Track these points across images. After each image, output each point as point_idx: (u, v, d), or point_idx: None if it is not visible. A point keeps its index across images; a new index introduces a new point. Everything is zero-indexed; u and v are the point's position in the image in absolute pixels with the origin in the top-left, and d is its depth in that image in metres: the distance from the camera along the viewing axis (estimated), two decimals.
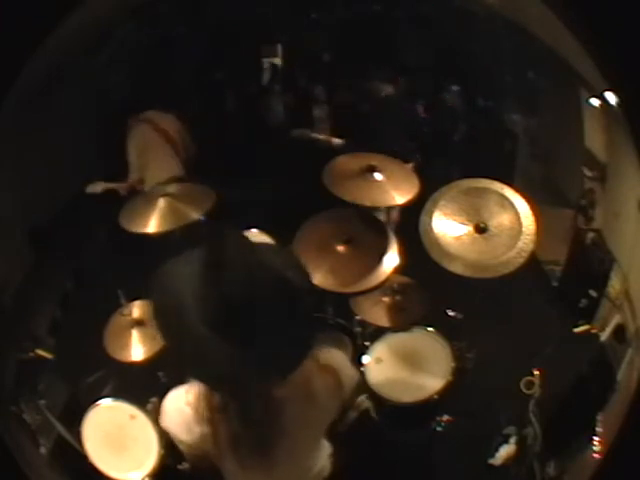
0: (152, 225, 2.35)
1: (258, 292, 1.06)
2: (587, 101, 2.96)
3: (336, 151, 2.68)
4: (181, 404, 1.24)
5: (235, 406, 1.19)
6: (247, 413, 1.19)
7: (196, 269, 1.09)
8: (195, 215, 2.38)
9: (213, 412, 1.20)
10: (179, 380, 1.35)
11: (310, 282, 1.24)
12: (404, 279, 2.54)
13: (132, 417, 2.18)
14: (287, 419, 1.22)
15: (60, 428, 2.38)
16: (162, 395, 1.32)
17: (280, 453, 1.26)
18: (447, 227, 2.21)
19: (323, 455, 1.47)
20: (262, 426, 1.21)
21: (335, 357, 1.34)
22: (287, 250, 1.27)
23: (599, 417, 2.12)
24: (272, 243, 1.29)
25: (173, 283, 1.14)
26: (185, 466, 2.23)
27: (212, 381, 1.16)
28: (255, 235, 1.80)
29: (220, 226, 1.14)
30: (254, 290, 1.06)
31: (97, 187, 3.03)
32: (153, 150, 3.23)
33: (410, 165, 2.94)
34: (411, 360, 2.37)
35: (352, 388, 1.40)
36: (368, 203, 2.33)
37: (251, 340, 1.08)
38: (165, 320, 1.14)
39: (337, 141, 3.13)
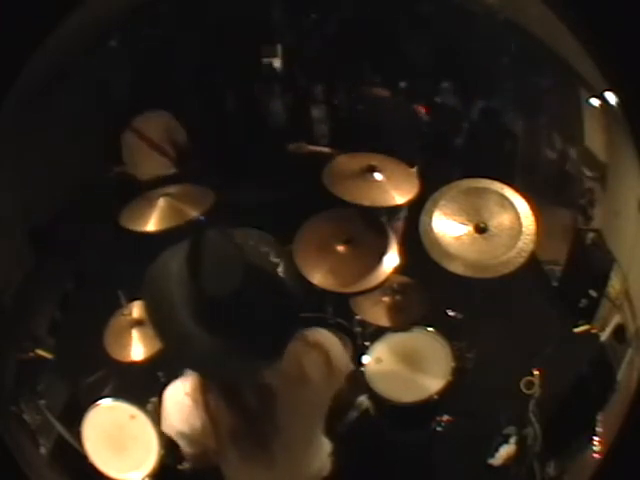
0: (152, 225, 2.35)
1: (237, 284, 1.09)
2: (587, 101, 2.96)
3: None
4: (180, 396, 1.25)
5: (229, 395, 1.21)
6: (240, 401, 1.21)
7: (179, 265, 1.13)
8: (195, 215, 2.38)
9: (211, 402, 1.21)
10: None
11: (295, 272, 1.30)
12: (404, 279, 2.54)
13: (132, 417, 2.18)
14: (281, 403, 1.23)
15: (60, 428, 2.38)
16: (162, 395, 1.32)
17: (278, 442, 1.27)
18: (447, 227, 2.21)
19: (323, 452, 1.47)
20: (257, 413, 1.22)
21: (324, 337, 1.35)
22: (273, 240, 1.29)
23: (599, 417, 2.12)
24: (257, 232, 1.32)
25: (161, 280, 1.17)
26: (185, 466, 2.23)
27: (204, 373, 1.20)
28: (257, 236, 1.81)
29: (203, 224, 1.18)
30: (233, 282, 1.09)
31: None
32: (138, 157, 3.43)
33: (414, 169, 2.94)
34: (411, 360, 2.37)
35: (346, 372, 1.41)
36: (368, 203, 2.33)
37: (232, 330, 1.11)
38: (156, 316, 1.18)
39: (334, 151, 3.13)
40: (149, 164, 3.46)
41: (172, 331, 1.14)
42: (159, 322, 1.18)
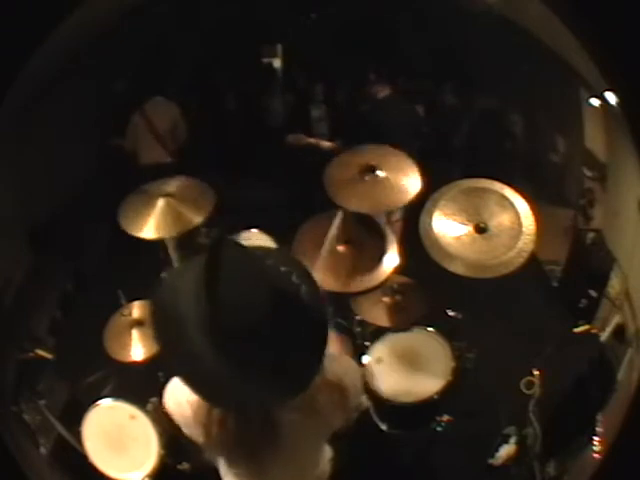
0: (151, 225, 2.34)
1: (260, 311, 1.00)
2: (587, 101, 2.96)
3: (333, 154, 2.69)
4: (182, 400, 1.22)
5: (232, 420, 1.18)
6: (245, 427, 1.18)
7: (195, 284, 1.01)
8: (194, 215, 2.38)
9: (211, 421, 1.19)
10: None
11: (319, 296, 1.13)
12: (404, 279, 2.54)
13: (132, 417, 2.18)
14: (287, 432, 1.20)
15: (60, 428, 2.38)
16: (162, 395, 1.32)
17: (278, 462, 1.24)
18: (447, 227, 2.21)
19: (323, 459, 1.46)
20: (260, 437, 1.19)
21: (343, 370, 1.27)
22: (295, 260, 1.18)
23: (599, 417, 2.12)
24: (282, 251, 1.23)
25: (174, 295, 1.06)
26: (185, 466, 2.23)
27: (208, 398, 1.12)
28: (256, 236, 1.78)
29: (222, 238, 1.07)
30: (255, 309, 0.99)
31: None
32: (139, 140, 3.64)
33: (414, 167, 2.94)
34: (411, 360, 2.37)
35: (357, 397, 1.38)
36: (368, 206, 2.32)
37: (251, 361, 1.01)
38: (164, 332, 1.09)
39: (332, 145, 3.15)
40: (150, 151, 3.63)
41: (181, 351, 1.04)
42: (167, 339, 1.08)
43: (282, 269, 1.10)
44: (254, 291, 1.00)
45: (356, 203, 2.30)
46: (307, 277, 1.11)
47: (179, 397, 1.23)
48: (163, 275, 1.15)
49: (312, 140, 3.26)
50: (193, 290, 1.00)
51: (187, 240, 2.40)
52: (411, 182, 2.43)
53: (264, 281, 1.02)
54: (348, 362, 1.34)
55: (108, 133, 3.69)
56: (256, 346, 1.00)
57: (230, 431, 1.18)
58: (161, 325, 1.09)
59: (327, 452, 1.48)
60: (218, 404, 1.14)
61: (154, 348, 2.31)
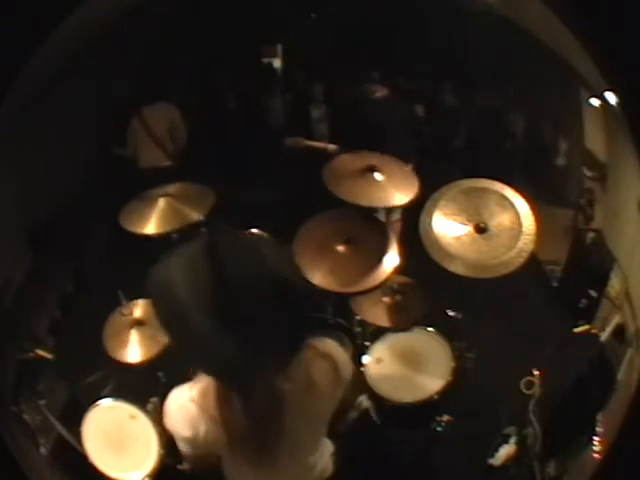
0: (152, 225, 2.36)
1: (257, 284, 1.08)
2: (587, 101, 2.96)
3: (331, 156, 2.70)
4: (184, 401, 1.23)
5: (238, 397, 1.19)
6: (250, 403, 1.19)
7: (195, 262, 1.09)
8: (195, 215, 2.38)
9: (217, 407, 1.20)
10: (179, 379, 1.35)
11: (303, 276, 1.26)
12: (404, 279, 2.55)
13: (132, 417, 2.18)
14: (289, 410, 1.22)
15: (60, 428, 2.38)
16: (162, 395, 1.32)
17: (284, 447, 1.26)
18: (447, 227, 2.21)
19: (325, 453, 1.47)
20: (265, 417, 1.21)
21: (332, 346, 1.35)
22: (283, 247, 1.26)
23: (599, 417, 2.12)
24: (268, 239, 1.30)
25: (170, 276, 1.11)
26: (185, 466, 2.23)
27: (214, 371, 1.17)
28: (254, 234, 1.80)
29: (220, 222, 1.14)
30: (253, 282, 1.08)
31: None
32: (139, 145, 3.67)
33: (409, 167, 2.94)
34: (411, 360, 2.37)
35: (349, 377, 1.41)
36: (367, 203, 2.33)
37: (250, 330, 1.08)
38: (165, 313, 1.13)
39: (331, 147, 3.16)
40: (149, 154, 3.64)
41: (186, 334, 1.10)
42: (172, 325, 1.14)
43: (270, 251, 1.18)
44: (254, 267, 1.09)
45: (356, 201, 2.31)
46: (287, 254, 1.22)
47: (181, 401, 1.25)
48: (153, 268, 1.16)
49: (310, 143, 3.26)
50: (191, 269, 1.08)
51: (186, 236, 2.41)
52: (410, 182, 2.44)
53: (262, 259, 1.12)
54: (334, 344, 1.37)
55: (108, 133, 3.69)
56: (251, 316, 1.08)
57: (237, 413, 1.20)
58: (164, 312, 1.14)
59: (329, 446, 1.49)
60: (223, 376, 1.18)
61: (154, 348, 2.31)
